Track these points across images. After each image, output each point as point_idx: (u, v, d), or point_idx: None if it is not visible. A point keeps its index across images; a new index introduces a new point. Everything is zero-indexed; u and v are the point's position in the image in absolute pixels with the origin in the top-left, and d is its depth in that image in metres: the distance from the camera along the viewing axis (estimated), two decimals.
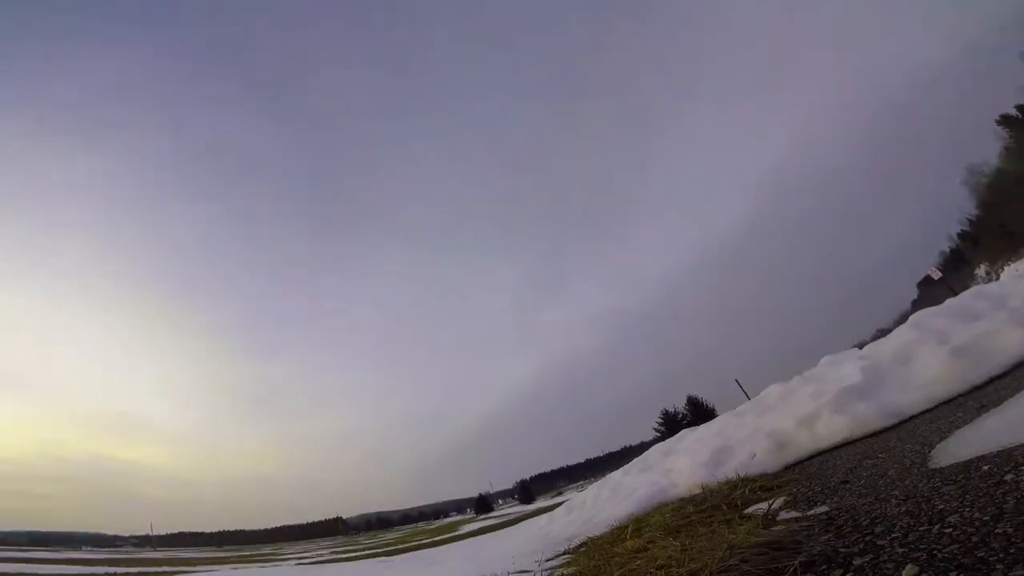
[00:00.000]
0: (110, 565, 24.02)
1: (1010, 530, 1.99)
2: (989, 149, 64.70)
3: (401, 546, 26.46)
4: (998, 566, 1.77)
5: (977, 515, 2.25)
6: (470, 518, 73.91)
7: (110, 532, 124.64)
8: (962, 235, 75.02)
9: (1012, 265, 27.37)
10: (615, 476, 13.90)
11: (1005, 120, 62.22)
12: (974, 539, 2.05)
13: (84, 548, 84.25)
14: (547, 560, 7.08)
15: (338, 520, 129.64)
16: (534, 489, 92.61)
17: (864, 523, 2.86)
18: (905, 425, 5.26)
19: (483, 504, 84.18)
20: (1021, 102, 60.48)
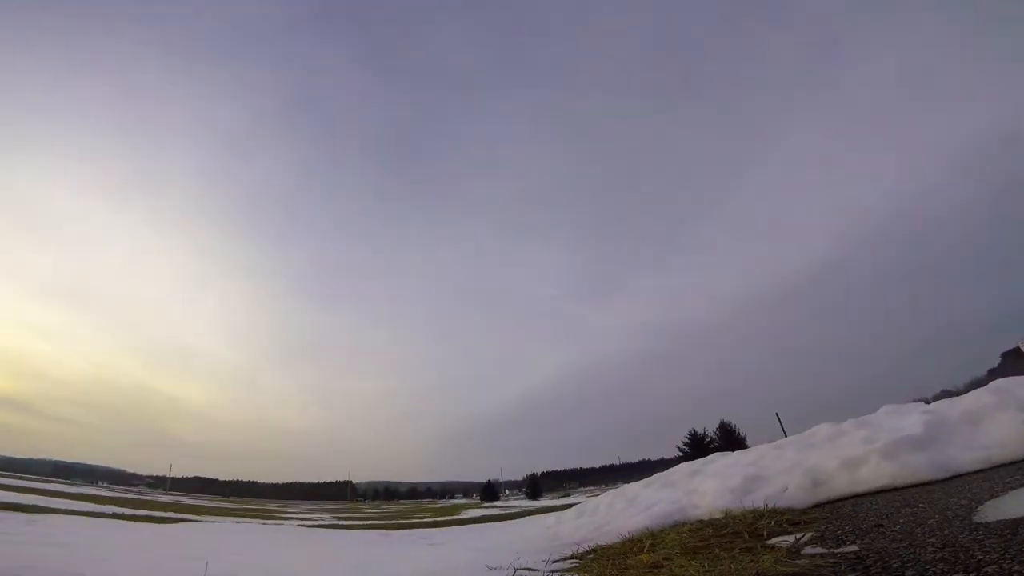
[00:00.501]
0: (117, 505, 25.48)
1: None
2: None
3: (403, 521, 27.10)
4: None
5: (1017, 568, 2.28)
6: (475, 503, 74.73)
7: (130, 469, 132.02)
8: None
9: None
10: (634, 487, 13.93)
11: None
12: None
13: (100, 484, 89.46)
14: (554, 561, 7.15)
15: (348, 484, 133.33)
16: (543, 486, 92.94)
17: (895, 566, 2.89)
18: (955, 480, 5.17)
19: (490, 491, 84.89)
20: None
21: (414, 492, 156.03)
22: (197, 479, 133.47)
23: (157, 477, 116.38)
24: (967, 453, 5.61)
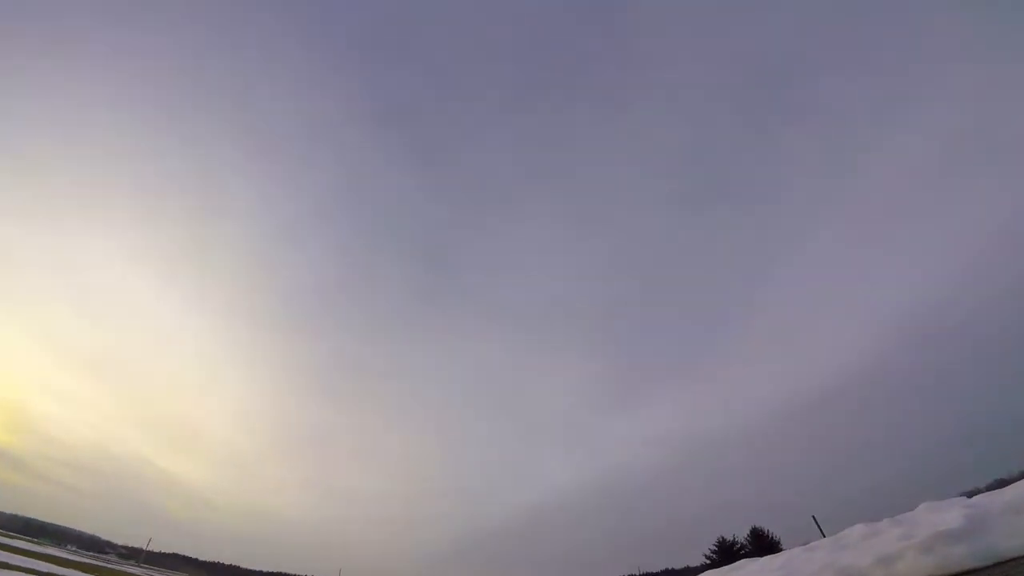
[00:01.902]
0: (80, 570, 24.78)
1: None
2: None
3: None
4: None
5: None
6: None
7: (104, 536, 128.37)
8: None
9: None
10: None
11: None
12: None
13: (69, 547, 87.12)
14: None
15: None
16: None
17: None
18: (1000, 567, 5.07)
19: None
20: None
21: None
22: (175, 556, 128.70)
23: (131, 548, 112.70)
24: (1011, 540, 5.50)
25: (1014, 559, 5.07)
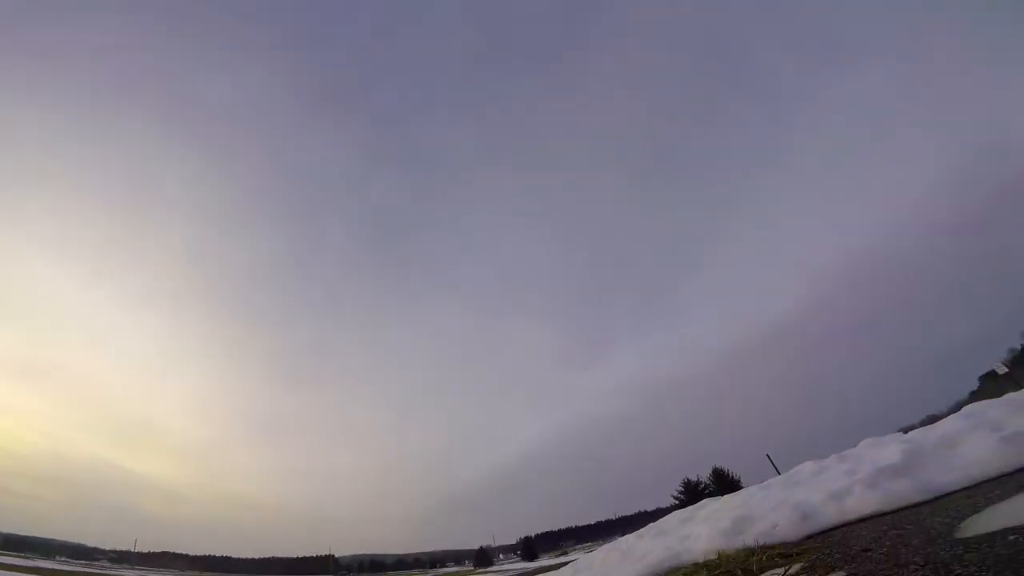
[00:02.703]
0: None
1: None
2: None
3: None
4: None
5: None
6: (468, 570, 72.01)
7: (90, 543, 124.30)
8: None
9: None
10: (628, 539, 13.65)
11: None
12: None
13: (58, 558, 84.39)
14: None
15: (330, 558, 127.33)
16: (538, 547, 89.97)
17: None
18: (940, 500, 5.18)
19: (483, 557, 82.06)
20: None
21: (402, 564, 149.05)
22: (165, 554, 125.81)
23: (121, 552, 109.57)
24: (948, 474, 5.63)
25: (952, 493, 5.16)
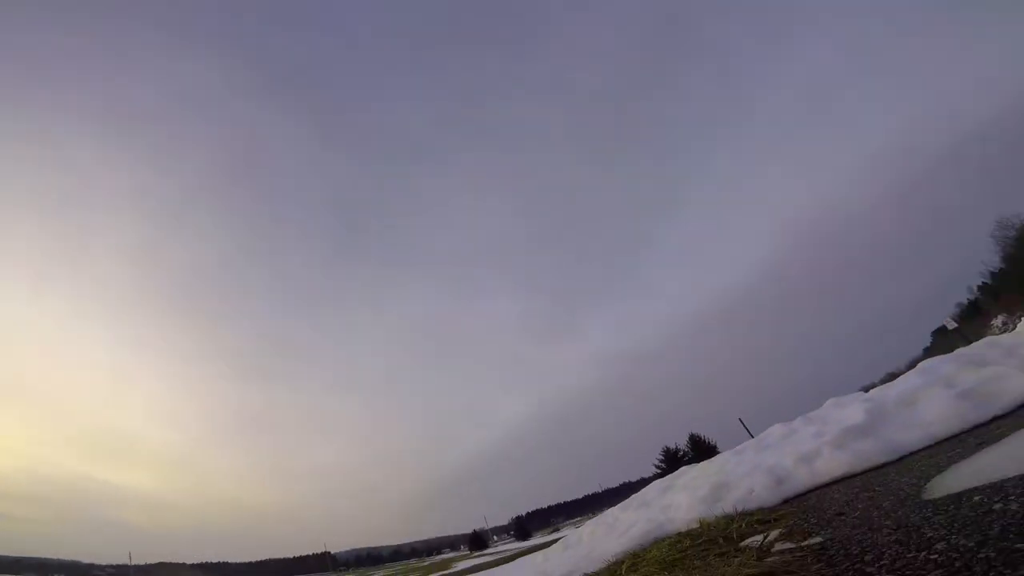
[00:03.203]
0: None
1: (992, 554, 2.03)
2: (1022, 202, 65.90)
3: None
4: None
5: (963, 542, 2.28)
6: (464, 555, 72.30)
7: (85, 560, 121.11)
8: (983, 287, 75.77)
9: None
10: (612, 512, 13.76)
11: None
12: (957, 564, 2.08)
13: None
14: None
15: (326, 555, 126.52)
16: (530, 526, 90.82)
17: (855, 552, 2.89)
18: (905, 460, 5.27)
19: (478, 541, 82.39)
20: None
21: (398, 554, 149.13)
22: (163, 565, 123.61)
23: (117, 566, 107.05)
24: (910, 433, 5.75)
25: (916, 452, 5.26)
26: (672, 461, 40.45)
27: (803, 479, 6.31)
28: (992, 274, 73.95)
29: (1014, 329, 12.20)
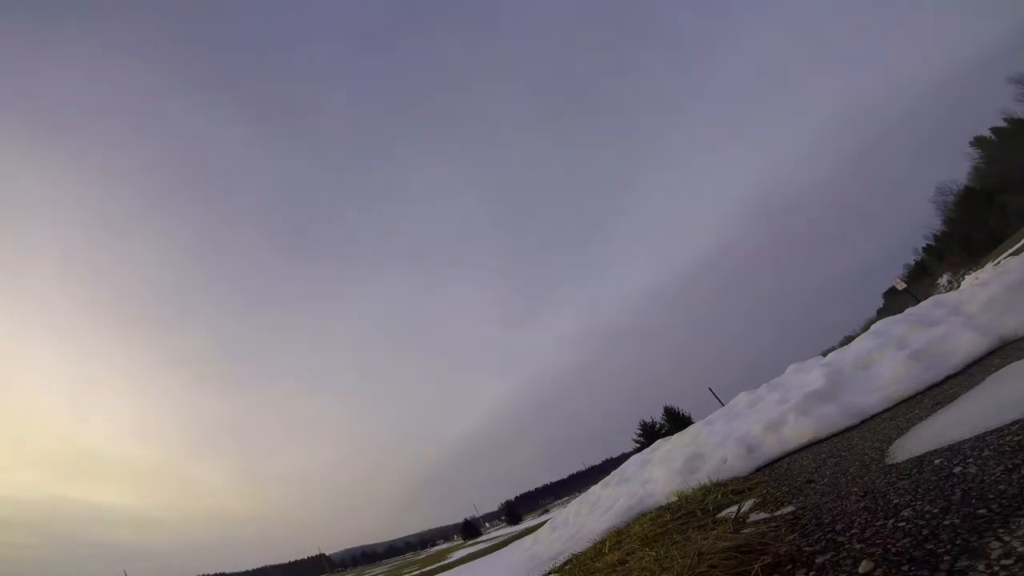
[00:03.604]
0: None
1: (957, 521, 2.02)
2: (958, 169, 68.84)
3: None
4: (945, 558, 1.79)
5: (928, 508, 2.28)
6: (458, 544, 72.39)
7: None
8: (927, 249, 79.49)
9: (972, 274, 28.65)
10: (594, 490, 13.83)
11: (978, 141, 66.65)
12: (924, 532, 2.08)
13: None
14: None
15: (321, 557, 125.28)
16: (520, 509, 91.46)
17: (826, 521, 2.89)
18: (867, 424, 5.34)
19: (470, 529, 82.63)
20: (998, 125, 64.75)
21: (393, 550, 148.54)
22: None
23: None
24: (869, 396, 5.82)
25: (876, 415, 5.34)
26: (650, 434, 41.01)
27: (773, 447, 6.37)
28: (935, 236, 77.89)
29: (958, 287, 12.61)
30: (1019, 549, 1.61)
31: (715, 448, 7.67)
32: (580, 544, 7.97)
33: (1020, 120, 62.02)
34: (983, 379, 4.25)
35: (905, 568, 1.87)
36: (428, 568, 27.10)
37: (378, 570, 63.95)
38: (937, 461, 2.82)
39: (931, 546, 1.93)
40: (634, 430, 46.00)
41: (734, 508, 4.66)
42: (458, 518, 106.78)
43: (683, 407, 44.43)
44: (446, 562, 28.80)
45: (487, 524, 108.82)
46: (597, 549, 6.50)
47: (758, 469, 6.20)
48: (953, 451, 2.88)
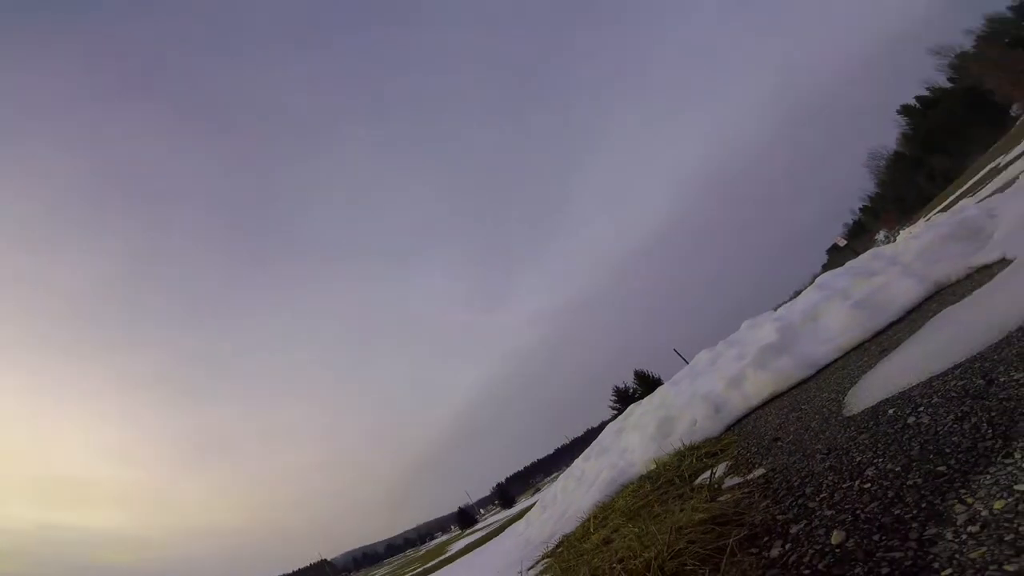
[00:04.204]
0: None
1: (919, 481, 1.98)
2: (888, 136, 73.03)
3: None
4: (913, 524, 1.74)
5: (890, 466, 2.25)
6: (456, 536, 72.34)
7: None
8: (864, 209, 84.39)
9: (907, 229, 30.17)
10: (578, 464, 13.80)
11: (905, 110, 71.11)
12: (890, 494, 2.03)
13: None
14: (528, 569, 6.89)
15: (323, 563, 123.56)
16: (513, 491, 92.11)
17: (796, 484, 2.86)
18: (821, 374, 5.45)
19: (466, 517, 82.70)
20: (922, 94, 68.59)
21: (392, 548, 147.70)
22: None
23: None
24: (821, 347, 5.94)
25: (829, 365, 5.44)
26: (624, 399, 41.56)
27: (738, 404, 6.42)
28: (870, 198, 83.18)
29: (895, 241, 13.08)
30: (983, 513, 1.57)
31: (683, 409, 7.67)
32: (570, 523, 7.92)
33: (941, 89, 65.93)
34: (923, 325, 4.32)
35: (876, 538, 1.81)
36: (430, 564, 26.95)
37: (381, 571, 63.38)
38: (891, 411, 2.82)
39: (898, 511, 1.88)
40: (609, 397, 46.54)
41: (708, 473, 4.65)
42: (452, 508, 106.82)
43: (653, 370, 45.19)
44: (446, 556, 28.70)
45: (481, 510, 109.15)
46: (585, 528, 6.45)
47: (728, 428, 6.23)
48: (904, 399, 2.89)
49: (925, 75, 67.76)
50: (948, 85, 65.79)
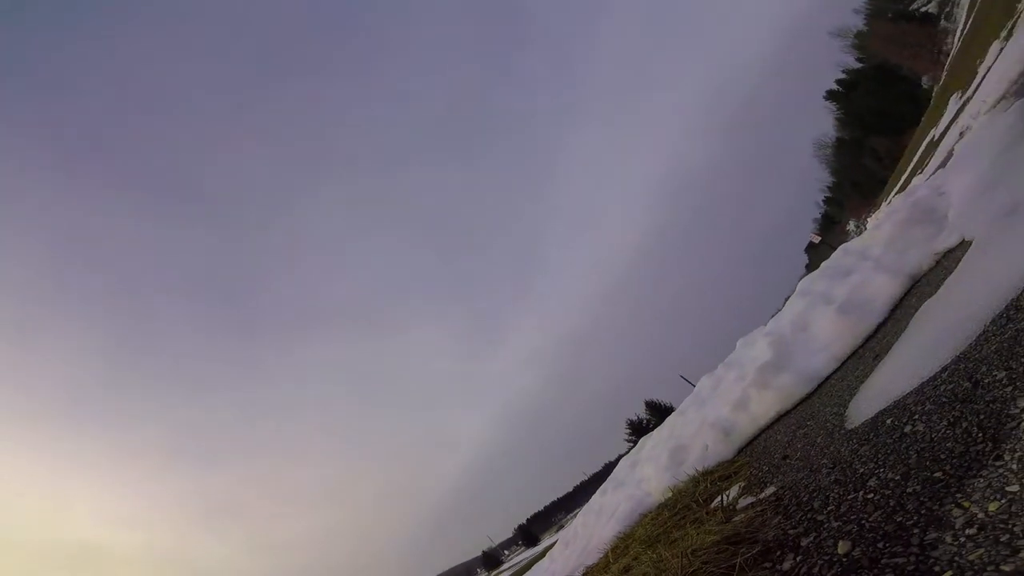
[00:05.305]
0: None
1: (918, 488, 1.98)
2: (826, 123, 72.15)
3: None
4: (915, 531, 1.74)
5: (890, 475, 2.24)
6: None
7: None
8: (827, 200, 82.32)
9: (872, 215, 29.99)
10: (595, 499, 13.55)
11: (831, 95, 70.10)
12: (891, 502, 2.02)
13: None
14: None
15: None
16: (536, 529, 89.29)
17: (804, 499, 2.83)
18: (823, 387, 5.34)
19: (491, 560, 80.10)
20: (839, 77, 68.36)
21: None
22: None
23: None
24: (816, 357, 5.81)
25: (828, 377, 5.37)
26: (638, 431, 40.90)
27: (746, 426, 6.29)
28: (828, 188, 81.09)
29: (865, 230, 12.96)
30: (979, 516, 1.57)
31: (693, 437, 7.53)
32: (592, 556, 7.74)
33: (855, 70, 65.87)
34: (907, 324, 4.24)
35: (880, 545, 1.80)
36: None
37: None
38: (889, 421, 2.80)
39: (900, 518, 1.87)
40: (623, 430, 45.81)
41: (722, 496, 4.57)
42: (476, 552, 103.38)
43: (662, 397, 44.59)
44: None
45: (506, 552, 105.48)
46: (606, 559, 6.33)
47: (740, 450, 6.10)
48: (900, 408, 2.87)
49: (836, 58, 67.56)
50: (859, 65, 65.18)
